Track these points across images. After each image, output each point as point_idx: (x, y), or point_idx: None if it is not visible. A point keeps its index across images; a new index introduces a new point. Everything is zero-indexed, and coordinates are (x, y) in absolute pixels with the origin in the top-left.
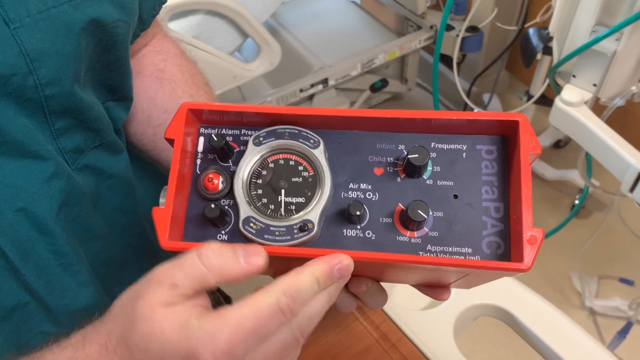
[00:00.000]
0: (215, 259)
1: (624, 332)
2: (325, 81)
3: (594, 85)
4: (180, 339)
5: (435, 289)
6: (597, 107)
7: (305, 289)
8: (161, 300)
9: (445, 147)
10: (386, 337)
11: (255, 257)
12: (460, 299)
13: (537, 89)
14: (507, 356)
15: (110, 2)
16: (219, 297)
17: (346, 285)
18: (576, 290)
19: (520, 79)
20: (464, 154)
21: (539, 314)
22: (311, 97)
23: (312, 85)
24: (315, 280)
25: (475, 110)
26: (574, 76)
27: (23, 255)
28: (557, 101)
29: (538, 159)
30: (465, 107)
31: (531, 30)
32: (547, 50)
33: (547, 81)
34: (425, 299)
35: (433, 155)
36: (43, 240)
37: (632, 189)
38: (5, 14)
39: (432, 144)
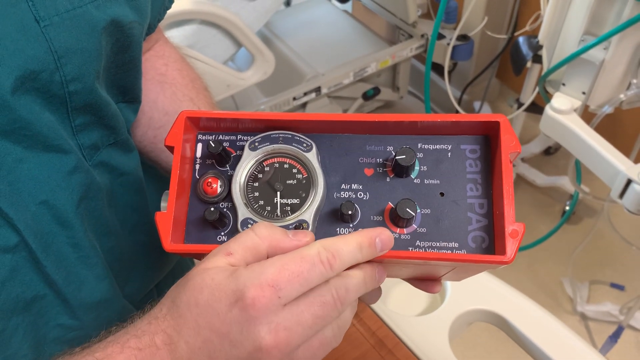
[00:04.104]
0: (267, 230)
1: (615, 337)
2: (318, 89)
3: (583, 93)
4: (229, 282)
5: (426, 282)
6: (586, 114)
7: (346, 251)
8: (215, 265)
9: (431, 148)
10: (382, 343)
11: (302, 235)
12: (455, 304)
13: (527, 97)
14: None
15: (127, 4)
16: None
17: None
18: (568, 296)
19: (511, 87)
20: (449, 154)
21: (532, 319)
22: (304, 105)
23: (305, 94)
24: (357, 246)
25: None
26: (563, 84)
27: (45, 247)
28: (548, 109)
29: (529, 166)
30: None
31: (521, 39)
32: (537, 59)
33: (537, 89)
34: (421, 305)
35: (420, 155)
36: (63, 232)
37: (621, 195)
38: (37, 12)
39: (419, 145)
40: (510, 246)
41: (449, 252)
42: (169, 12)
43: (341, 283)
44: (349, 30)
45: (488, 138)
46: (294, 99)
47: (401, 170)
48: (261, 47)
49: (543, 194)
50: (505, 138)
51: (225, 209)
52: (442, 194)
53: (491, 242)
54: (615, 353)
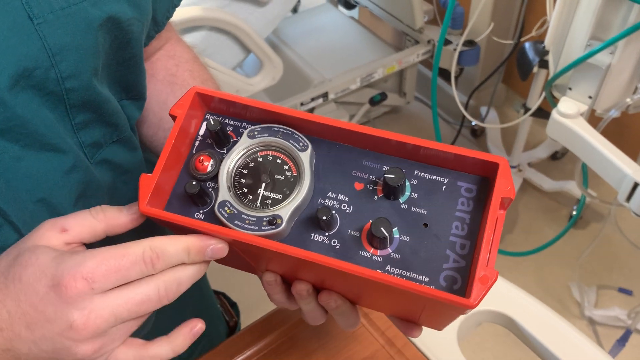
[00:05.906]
0: (102, 212)
1: (623, 341)
2: (325, 95)
3: (590, 97)
4: (50, 265)
5: (407, 324)
6: (593, 118)
7: (172, 253)
8: (48, 242)
9: (427, 177)
10: (392, 342)
11: (134, 207)
12: None
13: (534, 102)
14: None
15: (125, 0)
16: (225, 303)
17: (317, 297)
18: (575, 300)
19: (517, 92)
20: (444, 187)
21: (541, 320)
22: (311, 110)
23: (313, 99)
24: (185, 250)
25: (473, 124)
26: (570, 89)
27: None
28: (554, 113)
29: (536, 171)
30: (463, 120)
31: (527, 44)
32: (543, 64)
33: (544, 94)
34: None
35: (414, 182)
36: None
37: (628, 199)
38: (30, 10)
39: (416, 172)
40: (477, 290)
41: (415, 283)
42: (177, 19)
43: (171, 278)
44: (355, 36)
45: (487, 181)
46: (302, 104)
47: (389, 192)
48: (269, 53)
49: (550, 198)
50: (501, 182)
51: (210, 189)
52: (425, 225)
53: (463, 286)
54: (622, 357)
